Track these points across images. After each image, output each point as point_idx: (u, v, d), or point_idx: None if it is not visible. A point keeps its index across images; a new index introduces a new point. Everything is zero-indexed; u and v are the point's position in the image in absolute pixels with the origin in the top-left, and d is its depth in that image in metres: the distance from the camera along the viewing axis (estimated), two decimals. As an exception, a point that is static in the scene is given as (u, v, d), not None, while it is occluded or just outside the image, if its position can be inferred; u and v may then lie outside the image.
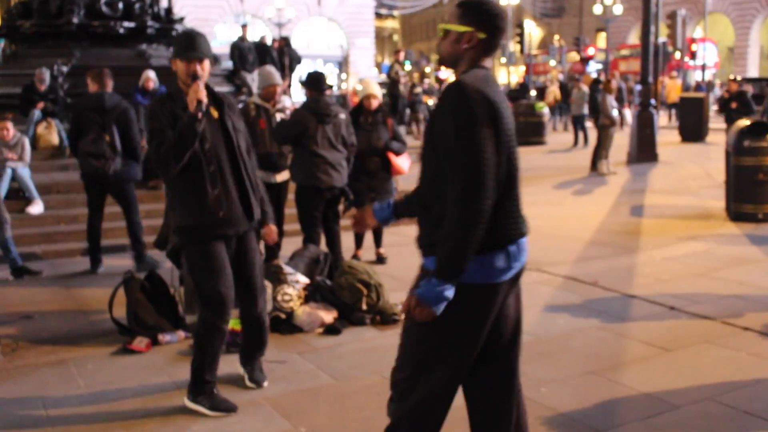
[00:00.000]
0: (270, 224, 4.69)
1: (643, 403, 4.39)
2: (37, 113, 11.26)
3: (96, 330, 5.90)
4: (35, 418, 4.39)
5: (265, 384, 4.72)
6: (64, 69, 12.50)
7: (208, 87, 4.34)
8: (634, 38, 48.84)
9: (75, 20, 13.36)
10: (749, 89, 19.62)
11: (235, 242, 4.43)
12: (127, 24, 13.80)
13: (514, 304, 3.03)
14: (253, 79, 14.41)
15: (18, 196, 9.34)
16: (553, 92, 26.07)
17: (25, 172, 9.36)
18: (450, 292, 2.70)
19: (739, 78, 19.29)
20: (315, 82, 7.02)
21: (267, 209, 4.64)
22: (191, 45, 4.29)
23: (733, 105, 13.83)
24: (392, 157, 7.72)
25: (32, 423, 4.34)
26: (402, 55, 19.78)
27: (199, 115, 4.13)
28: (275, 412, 4.37)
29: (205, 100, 4.18)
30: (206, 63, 4.29)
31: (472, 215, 2.64)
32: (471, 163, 2.64)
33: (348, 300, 6.06)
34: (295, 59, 17.78)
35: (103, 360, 5.31)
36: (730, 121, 13.19)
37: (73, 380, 4.95)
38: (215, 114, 4.34)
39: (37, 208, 9.33)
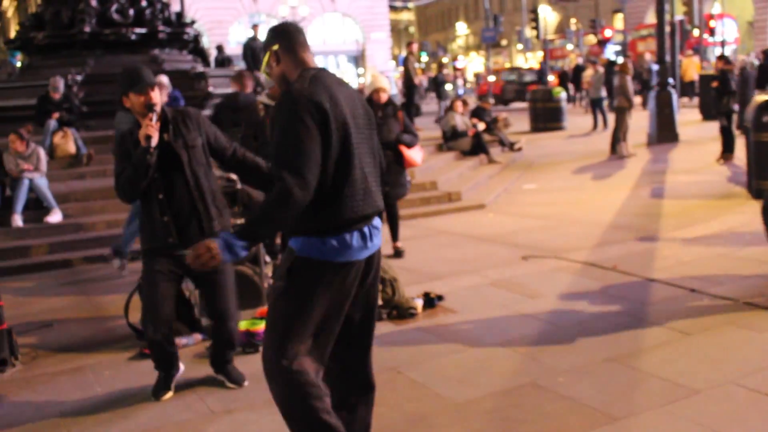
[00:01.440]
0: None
1: (663, 388, 4.31)
2: (53, 123, 11.33)
3: (113, 336, 5.92)
4: (53, 425, 4.41)
5: (246, 383, 4.76)
6: (78, 78, 12.59)
7: (162, 110, 4.50)
8: (651, 18, 48.22)
9: (87, 29, 13.47)
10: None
11: None
12: (138, 30, 13.88)
13: (368, 287, 3.26)
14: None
15: (36, 206, 9.39)
16: (589, 75, 25.53)
17: (42, 182, 9.42)
18: (240, 250, 3.00)
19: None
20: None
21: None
22: (138, 77, 4.43)
23: (714, 84, 13.66)
24: (404, 149, 7.67)
25: (50, 431, 4.36)
26: (415, 47, 19.65)
27: (150, 149, 4.33)
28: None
29: (155, 135, 4.34)
30: (156, 90, 4.43)
31: (283, 202, 2.91)
32: (291, 157, 2.93)
33: (363, 295, 6.01)
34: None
35: (120, 366, 5.32)
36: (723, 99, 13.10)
37: (90, 387, 4.96)
38: (165, 137, 4.46)
39: (55, 216, 9.39)
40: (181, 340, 5.58)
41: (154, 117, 4.38)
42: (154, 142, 4.34)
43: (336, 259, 3.06)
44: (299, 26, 3.37)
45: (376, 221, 3.23)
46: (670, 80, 17.01)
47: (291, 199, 2.90)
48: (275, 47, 3.23)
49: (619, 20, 47.33)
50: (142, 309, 4.79)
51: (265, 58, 3.29)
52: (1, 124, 11.64)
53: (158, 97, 4.44)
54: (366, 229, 3.13)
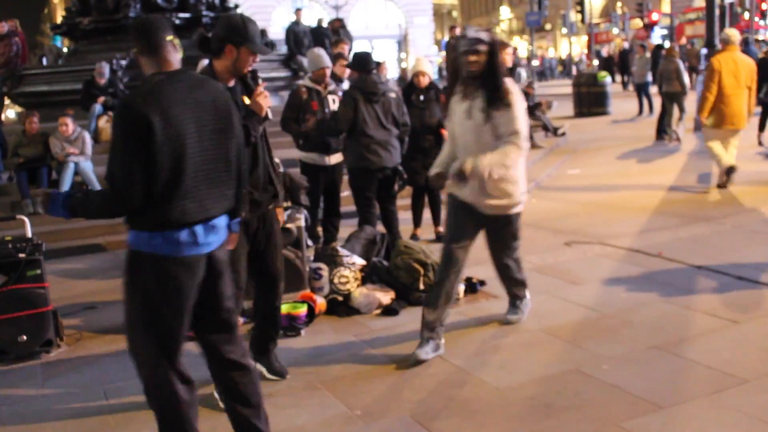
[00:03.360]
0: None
1: (709, 377, 4.23)
2: (98, 107, 11.47)
3: (157, 318, 5.97)
4: (98, 407, 4.47)
5: (288, 376, 4.63)
6: (123, 63, 12.70)
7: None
8: (699, 1, 47.38)
9: (132, 14, 13.55)
10: None
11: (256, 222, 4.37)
12: (182, 15, 13.94)
13: (212, 282, 3.37)
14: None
15: (81, 189, 9.52)
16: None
17: (87, 166, 9.54)
18: (59, 214, 3.21)
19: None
20: (362, 63, 6.96)
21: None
22: (256, 36, 3.99)
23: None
24: (446, 134, 7.60)
25: (95, 411, 4.43)
26: (458, 32, 19.51)
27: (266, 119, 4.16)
28: (331, 396, 4.35)
29: (270, 104, 4.20)
30: None
31: (106, 206, 3.15)
32: (113, 166, 3.08)
33: (405, 280, 5.99)
34: (351, 41, 17.71)
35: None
36: None
37: (133, 369, 4.98)
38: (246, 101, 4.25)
39: (100, 200, 9.48)
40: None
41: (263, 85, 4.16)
42: (271, 114, 4.16)
43: (165, 252, 3.20)
44: (161, 21, 3.32)
45: (217, 221, 3.33)
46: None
47: (111, 207, 3.14)
48: (136, 49, 3.30)
49: (666, 4, 46.52)
50: None
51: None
52: (48, 108, 11.83)
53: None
54: (198, 228, 3.23)
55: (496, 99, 4.57)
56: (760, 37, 30.19)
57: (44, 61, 17.81)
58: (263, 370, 4.59)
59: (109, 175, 3.10)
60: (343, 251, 6.15)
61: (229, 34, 3.96)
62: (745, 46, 18.45)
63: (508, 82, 4.66)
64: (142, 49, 3.25)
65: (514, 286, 5.35)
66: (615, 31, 48.94)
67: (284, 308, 5.39)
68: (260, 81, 4.19)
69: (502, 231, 5.12)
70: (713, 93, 9.17)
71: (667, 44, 22.41)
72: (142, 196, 3.08)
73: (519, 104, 4.61)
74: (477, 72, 4.60)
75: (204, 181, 3.23)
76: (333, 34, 16.77)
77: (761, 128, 12.14)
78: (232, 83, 4.10)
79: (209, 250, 3.32)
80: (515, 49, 41.49)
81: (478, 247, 5.11)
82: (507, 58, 8.20)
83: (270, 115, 4.14)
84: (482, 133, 4.63)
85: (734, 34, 9.72)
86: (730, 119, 9.28)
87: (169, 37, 3.26)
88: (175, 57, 3.26)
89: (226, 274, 3.45)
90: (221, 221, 3.37)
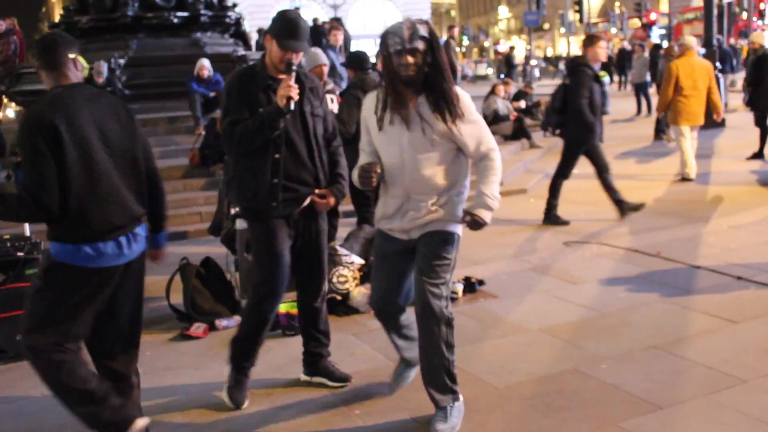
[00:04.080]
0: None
1: (708, 377, 4.24)
2: (96, 106, 11.43)
3: (155, 316, 5.96)
4: (96, 406, 4.45)
5: (352, 379, 4.52)
6: (121, 61, 12.70)
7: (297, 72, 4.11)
8: (698, 0, 47.44)
9: (130, 13, 13.56)
10: None
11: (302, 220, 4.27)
12: (180, 14, 13.95)
13: (123, 298, 3.53)
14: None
15: None
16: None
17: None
18: None
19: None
20: (358, 61, 6.95)
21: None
22: (294, 33, 3.98)
23: None
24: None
25: (93, 411, 4.40)
26: (456, 31, 19.51)
27: (287, 113, 3.96)
28: (330, 395, 4.35)
29: (296, 97, 3.95)
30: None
31: (21, 211, 3.27)
32: (27, 174, 3.21)
33: (403, 280, 5.98)
34: (348, 39, 17.71)
35: (161, 346, 5.37)
36: None
37: (132, 368, 5.00)
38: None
39: (98, 199, 9.48)
40: (221, 322, 5.62)
41: (293, 78, 4.00)
42: (294, 106, 3.97)
43: (89, 265, 3.34)
44: (66, 40, 3.47)
45: (138, 229, 3.49)
46: (717, 64, 16.66)
47: (28, 212, 3.25)
48: (36, 65, 3.42)
49: (664, 3, 46.57)
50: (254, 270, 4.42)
51: None
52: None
53: (298, 59, 4.07)
54: (122, 239, 3.39)
55: (443, 106, 3.66)
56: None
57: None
58: (325, 380, 4.47)
59: (25, 184, 3.21)
60: (341, 250, 6.15)
61: (270, 26, 4.06)
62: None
63: (456, 87, 3.82)
64: (42, 64, 3.43)
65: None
66: (613, 30, 49.00)
67: (283, 307, 5.39)
68: (293, 71, 4.01)
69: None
70: (669, 93, 10.25)
71: (665, 44, 22.39)
72: (58, 202, 3.21)
73: (476, 115, 3.79)
74: (415, 75, 3.64)
75: (116, 188, 3.38)
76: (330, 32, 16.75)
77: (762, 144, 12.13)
78: (280, 76, 4.06)
79: (129, 260, 3.47)
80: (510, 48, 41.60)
81: (476, 247, 5.10)
82: (601, 53, 8.24)
83: (292, 107, 3.95)
84: (423, 149, 3.70)
85: (692, 40, 10.89)
86: (687, 116, 10.31)
87: (72, 55, 3.44)
88: (75, 74, 3.47)
89: (134, 286, 3.59)
90: (141, 230, 3.53)
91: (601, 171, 8.32)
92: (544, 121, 8.78)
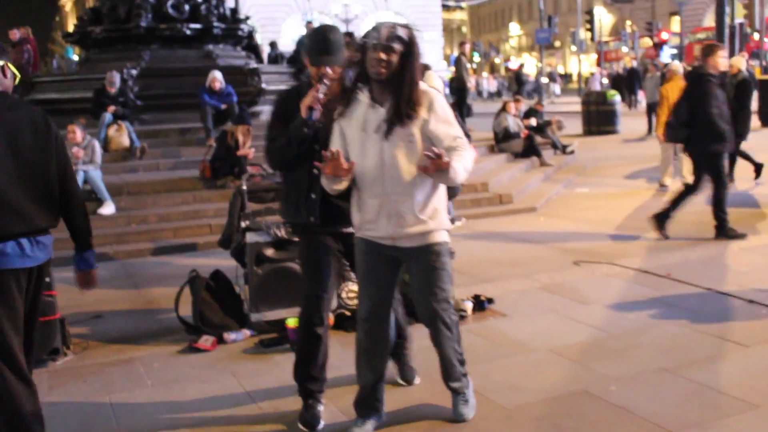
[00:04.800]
0: None
1: (718, 401, 4.20)
2: (108, 116, 11.51)
3: (163, 329, 5.97)
4: (103, 417, 4.45)
5: (417, 380, 4.65)
6: (134, 72, 12.76)
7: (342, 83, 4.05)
8: (709, 21, 47.39)
9: (143, 24, 13.67)
10: None
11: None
12: (193, 25, 14.05)
13: (30, 297, 3.52)
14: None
15: (90, 197, 9.53)
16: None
17: (96, 174, 9.55)
18: None
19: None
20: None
21: None
22: (323, 48, 3.99)
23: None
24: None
25: (100, 421, 4.40)
26: (467, 47, 19.53)
27: (309, 122, 3.92)
28: (337, 411, 4.33)
29: (317, 107, 3.90)
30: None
31: None
32: None
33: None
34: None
35: (169, 359, 5.36)
36: None
37: (140, 379, 5.00)
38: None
39: (108, 209, 9.52)
40: (230, 336, 5.61)
41: (322, 88, 3.92)
42: (316, 115, 3.91)
43: None
44: None
45: (42, 238, 3.48)
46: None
47: None
48: None
49: (675, 23, 46.59)
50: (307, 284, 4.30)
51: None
52: (59, 116, 11.84)
53: (335, 72, 4.00)
54: (23, 240, 3.39)
55: (401, 112, 3.64)
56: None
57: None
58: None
59: None
60: (351, 265, 6.13)
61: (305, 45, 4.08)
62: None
63: (429, 90, 3.80)
64: None
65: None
66: (624, 49, 49.04)
67: (291, 322, 5.39)
68: (323, 83, 3.95)
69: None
70: (665, 114, 10.80)
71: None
72: None
73: (450, 116, 3.78)
74: (385, 75, 3.62)
75: (16, 199, 3.36)
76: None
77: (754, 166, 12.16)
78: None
79: (36, 264, 3.47)
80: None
81: (485, 265, 5.08)
82: (721, 62, 8.18)
83: (313, 115, 3.91)
84: (401, 147, 3.69)
85: (678, 66, 12.29)
86: None
87: (1, 63, 3.49)
88: (3, 82, 3.49)
89: (33, 296, 3.57)
90: (46, 239, 3.52)
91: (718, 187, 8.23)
92: (669, 135, 8.60)
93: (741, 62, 12.55)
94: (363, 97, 3.76)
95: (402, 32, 3.61)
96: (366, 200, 3.79)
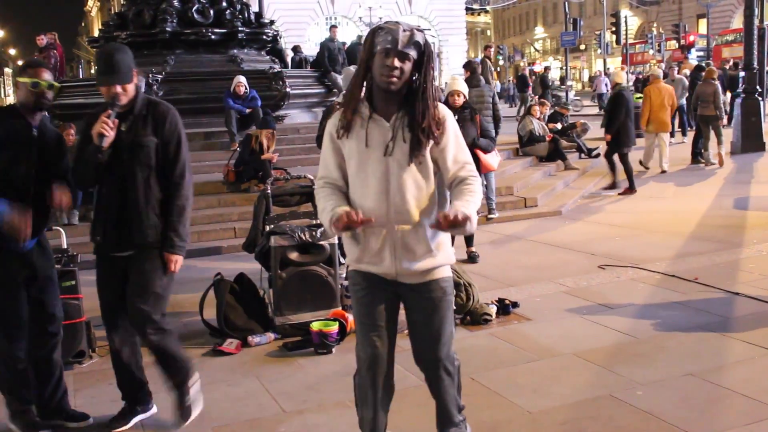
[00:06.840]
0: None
1: (746, 407, 4.15)
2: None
3: (188, 331, 5.99)
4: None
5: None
6: (159, 77, 12.84)
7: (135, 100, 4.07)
8: (737, 23, 46.94)
9: (168, 29, 13.74)
10: None
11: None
12: (218, 30, 14.11)
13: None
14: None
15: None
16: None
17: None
18: None
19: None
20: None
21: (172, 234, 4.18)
22: (107, 68, 3.96)
23: None
24: (480, 154, 7.59)
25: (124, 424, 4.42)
26: (492, 51, 19.50)
27: (101, 149, 3.92)
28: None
29: (109, 135, 3.89)
30: (122, 85, 3.98)
31: None
32: None
33: (436, 300, 5.95)
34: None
35: (193, 361, 5.36)
36: None
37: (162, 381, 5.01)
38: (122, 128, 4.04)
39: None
40: (254, 339, 5.62)
41: (112, 114, 3.92)
42: (106, 143, 3.90)
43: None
44: None
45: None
46: (758, 87, 16.47)
47: None
48: None
49: (702, 25, 46.19)
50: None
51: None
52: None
53: (127, 90, 3.98)
54: None
55: (420, 131, 3.14)
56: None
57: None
58: None
59: None
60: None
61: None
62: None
63: (442, 107, 3.27)
64: None
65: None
66: (651, 52, 48.67)
67: (316, 325, 5.40)
68: (115, 105, 3.99)
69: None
70: (647, 111, 14.09)
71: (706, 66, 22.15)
72: None
73: (461, 138, 3.30)
74: (397, 83, 3.12)
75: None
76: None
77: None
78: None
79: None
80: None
81: (510, 269, 5.05)
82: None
83: (104, 142, 3.92)
84: (407, 169, 3.17)
85: (658, 71, 15.76)
86: (656, 126, 14.08)
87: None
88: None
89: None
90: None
91: None
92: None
93: (620, 76, 13.80)
94: (363, 108, 3.22)
95: (419, 37, 3.16)
96: (366, 229, 3.21)
